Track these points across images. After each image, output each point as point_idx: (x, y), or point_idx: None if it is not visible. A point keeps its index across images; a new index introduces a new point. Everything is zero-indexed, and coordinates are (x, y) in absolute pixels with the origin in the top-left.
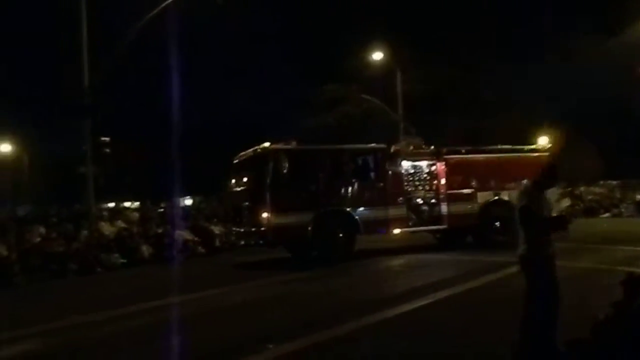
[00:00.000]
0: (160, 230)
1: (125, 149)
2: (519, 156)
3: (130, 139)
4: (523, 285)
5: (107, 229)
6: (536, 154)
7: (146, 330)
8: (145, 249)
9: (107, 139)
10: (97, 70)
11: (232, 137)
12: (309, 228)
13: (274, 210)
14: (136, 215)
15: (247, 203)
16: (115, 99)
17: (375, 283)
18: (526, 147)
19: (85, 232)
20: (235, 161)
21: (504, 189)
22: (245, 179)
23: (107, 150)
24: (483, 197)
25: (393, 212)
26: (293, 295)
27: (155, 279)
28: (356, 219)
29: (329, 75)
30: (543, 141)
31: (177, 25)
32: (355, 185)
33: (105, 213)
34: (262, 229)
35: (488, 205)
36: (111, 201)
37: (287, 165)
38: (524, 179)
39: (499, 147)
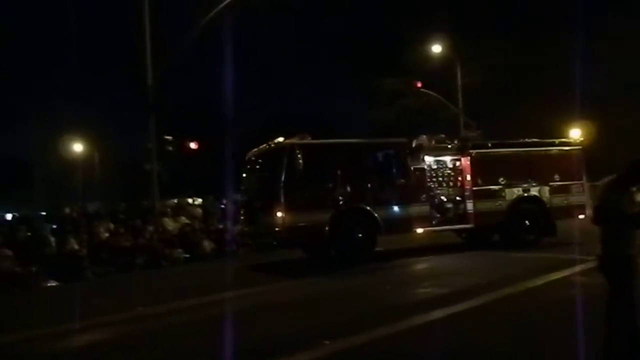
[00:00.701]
0: (221, 226)
1: (188, 146)
2: (549, 150)
3: (193, 135)
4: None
5: (170, 224)
6: (568, 148)
7: (206, 323)
8: (207, 244)
9: (170, 137)
10: (160, 68)
11: (294, 132)
12: (326, 228)
13: (288, 209)
14: (199, 211)
15: (260, 202)
16: (178, 96)
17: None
18: (557, 141)
19: (150, 228)
20: (248, 157)
21: (533, 184)
22: (258, 176)
23: (171, 147)
24: (511, 193)
25: (415, 210)
26: (347, 292)
27: (215, 273)
28: (376, 217)
29: (388, 68)
30: (574, 134)
31: (237, 22)
32: (375, 182)
33: (169, 209)
34: (276, 229)
35: (517, 202)
36: (175, 197)
37: (302, 161)
38: (554, 174)
39: (529, 140)
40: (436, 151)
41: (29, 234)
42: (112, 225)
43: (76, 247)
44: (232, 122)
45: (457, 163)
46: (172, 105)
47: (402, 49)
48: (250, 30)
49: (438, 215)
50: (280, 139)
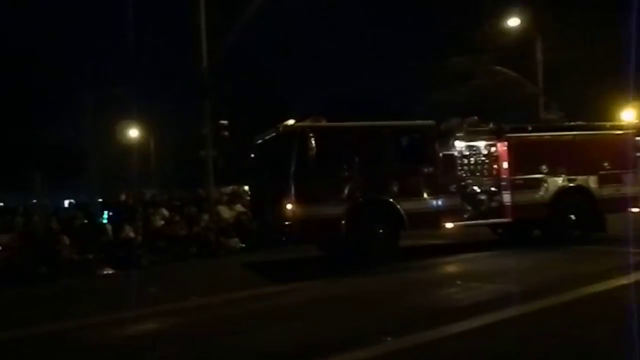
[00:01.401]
0: None
1: (244, 132)
2: (599, 135)
3: (249, 121)
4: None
5: (226, 212)
6: (621, 132)
7: (262, 315)
8: None
9: (225, 122)
10: (215, 51)
11: (358, 115)
12: (342, 222)
13: (299, 201)
14: None
15: (267, 193)
16: (233, 81)
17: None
18: (608, 124)
19: (205, 216)
20: (255, 143)
21: (580, 173)
22: (265, 165)
23: (226, 133)
24: (555, 183)
25: (444, 202)
26: (410, 287)
27: (270, 264)
28: (399, 210)
29: (458, 46)
30: (628, 116)
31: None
32: (399, 171)
33: (224, 197)
34: (286, 222)
35: (561, 193)
36: (232, 184)
37: (314, 146)
38: (604, 162)
39: (575, 123)
40: (468, 135)
41: (85, 221)
42: (167, 213)
43: (132, 234)
44: (289, 107)
45: (493, 149)
46: (229, 90)
47: (472, 24)
48: (306, 9)
49: (470, 208)
50: (290, 122)
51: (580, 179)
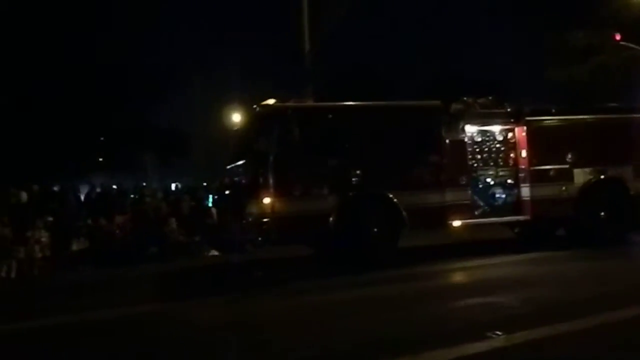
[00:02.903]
0: None
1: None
2: (636, 118)
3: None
4: None
5: None
6: None
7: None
8: None
9: None
10: (317, 35)
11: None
12: (331, 218)
13: (279, 194)
14: None
15: (243, 185)
16: (335, 64)
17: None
18: None
19: None
20: (233, 126)
21: (613, 164)
22: (243, 151)
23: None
24: (582, 175)
25: (452, 196)
26: (527, 277)
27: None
28: (399, 206)
29: (578, 21)
30: None
31: None
32: (398, 160)
33: None
34: (263, 219)
35: (590, 187)
36: None
37: (298, 130)
38: None
39: (606, 106)
40: (481, 119)
41: (192, 204)
42: None
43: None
44: (394, 91)
45: (510, 135)
46: (331, 74)
47: None
48: None
49: (482, 204)
50: (270, 101)
51: (613, 170)
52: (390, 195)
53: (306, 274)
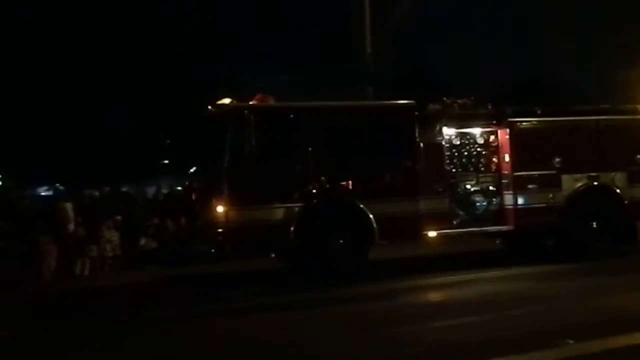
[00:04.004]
0: None
1: None
2: (630, 121)
3: None
4: None
5: None
6: None
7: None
8: None
9: None
10: (379, 35)
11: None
12: (291, 228)
13: (234, 202)
14: None
15: (198, 191)
16: (397, 65)
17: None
18: None
19: None
20: (192, 129)
21: (605, 169)
22: (199, 154)
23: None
24: (571, 182)
25: (427, 204)
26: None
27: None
28: (367, 215)
29: None
30: None
31: None
32: (367, 165)
33: None
34: (218, 229)
35: (579, 194)
36: None
37: (256, 132)
38: (636, 155)
39: (597, 107)
40: (460, 120)
41: None
42: None
43: None
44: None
45: (491, 137)
46: (392, 76)
47: None
48: None
49: (462, 213)
50: (225, 101)
51: (605, 176)
52: (358, 203)
53: (260, 290)
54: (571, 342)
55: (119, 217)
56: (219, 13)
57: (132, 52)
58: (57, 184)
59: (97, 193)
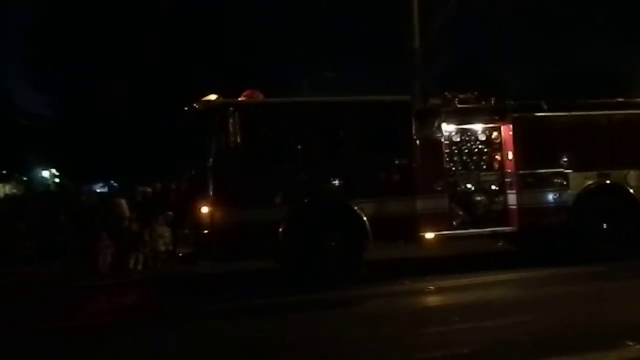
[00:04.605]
0: None
1: None
2: None
3: None
4: None
5: None
6: None
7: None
8: None
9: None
10: (428, 29)
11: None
12: (280, 230)
13: (220, 203)
14: None
15: (183, 192)
16: (446, 58)
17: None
18: None
19: None
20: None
21: (616, 167)
22: (184, 153)
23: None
24: (580, 181)
25: (425, 205)
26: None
27: None
28: (360, 215)
29: None
30: None
31: None
32: (360, 163)
33: None
34: (204, 232)
35: (588, 194)
36: None
37: (244, 129)
38: None
39: (608, 101)
40: (461, 116)
41: None
42: None
43: None
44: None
45: (494, 134)
46: (440, 70)
47: None
48: None
49: (462, 213)
50: (212, 97)
51: (617, 174)
52: (350, 203)
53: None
54: (632, 344)
55: (170, 213)
56: (267, 13)
57: (184, 53)
58: (112, 181)
59: (149, 190)
